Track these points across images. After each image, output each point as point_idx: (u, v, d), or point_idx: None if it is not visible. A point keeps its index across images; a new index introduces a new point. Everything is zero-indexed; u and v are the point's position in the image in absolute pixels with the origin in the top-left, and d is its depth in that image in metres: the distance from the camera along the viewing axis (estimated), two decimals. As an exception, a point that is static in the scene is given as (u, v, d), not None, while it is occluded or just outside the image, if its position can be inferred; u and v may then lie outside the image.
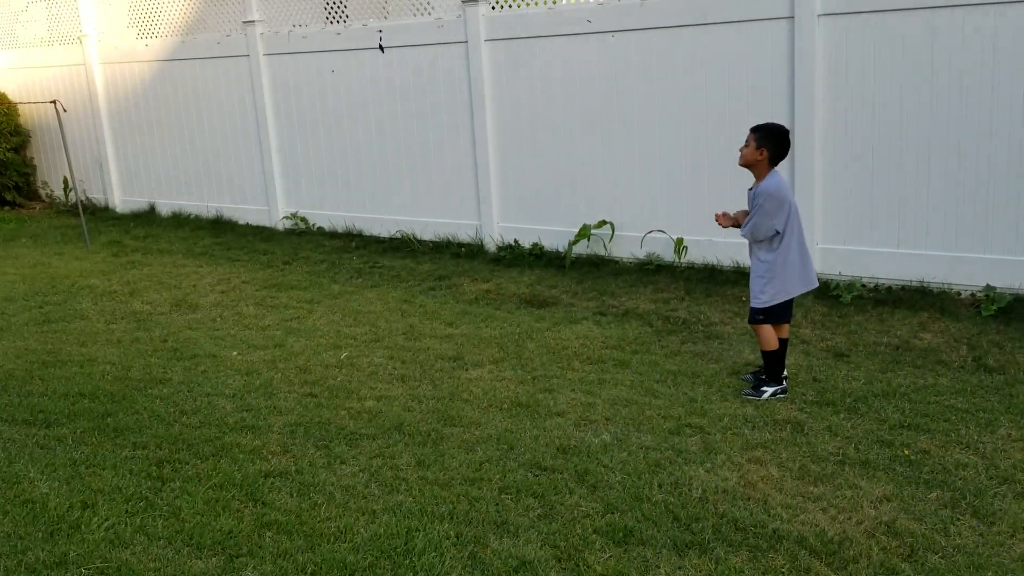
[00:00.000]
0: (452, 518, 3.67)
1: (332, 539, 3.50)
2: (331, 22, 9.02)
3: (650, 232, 7.23)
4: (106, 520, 3.58)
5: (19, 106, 11.97)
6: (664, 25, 6.93)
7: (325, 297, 7.15)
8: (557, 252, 7.68)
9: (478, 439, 4.42)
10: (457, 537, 3.51)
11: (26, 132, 12.14)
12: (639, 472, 4.01)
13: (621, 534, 3.52)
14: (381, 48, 8.56)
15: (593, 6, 7.27)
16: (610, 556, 3.38)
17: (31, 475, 3.97)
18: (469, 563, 3.34)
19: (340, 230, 9.24)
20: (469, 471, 4.08)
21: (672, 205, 7.13)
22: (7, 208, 11.83)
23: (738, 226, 4.74)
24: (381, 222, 8.94)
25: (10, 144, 11.79)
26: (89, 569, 3.20)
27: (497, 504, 3.77)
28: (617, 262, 7.42)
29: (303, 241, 9.12)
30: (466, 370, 5.40)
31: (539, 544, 3.46)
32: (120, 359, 5.81)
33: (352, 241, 8.94)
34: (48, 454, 4.23)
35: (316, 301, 7.05)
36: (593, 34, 7.27)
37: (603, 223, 7.36)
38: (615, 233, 7.40)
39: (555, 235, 7.73)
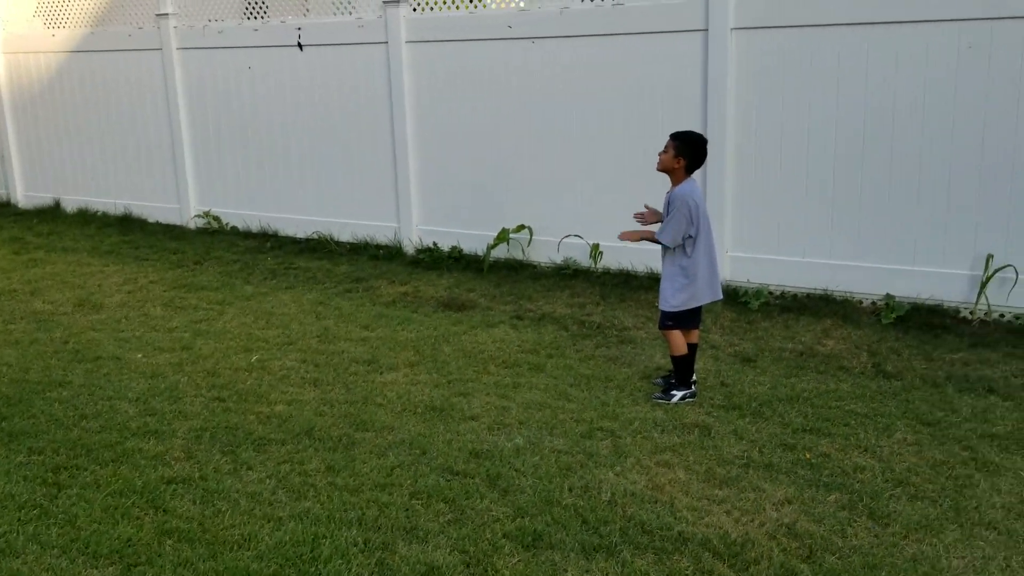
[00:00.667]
0: (361, 524, 3.63)
1: (235, 547, 3.42)
2: (250, 17, 8.84)
3: (567, 237, 7.30)
4: (-5, 529, 3.43)
5: (-86, 94, 11.37)
6: (583, 33, 7.00)
7: (237, 298, 6.99)
8: (476, 256, 7.68)
9: (390, 444, 4.38)
10: (365, 543, 3.47)
11: (-79, 121, 11.54)
12: (550, 476, 4.04)
13: (530, 538, 3.53)
14: (300, 46, 8.43)
15: (514, 12, 7.31)
16: (519, 560, 3.39)
17: (-85, 483, 3.78)
18: (376, 569, 3.31)
19: (255, 230, 9.06)
20: (380, 476, 4.04)
21: (589, 210, 7.21)
22: (-101, 201, 11.23)
23: (648, 240, 4.80)
24: (297, 222, 8.79)
25: (-97, 134, 11.19)
26: (-26, 581, 3.06)
27: (407, 510, 3.75)
28: (535, 266, 7.47)
29: (216, 241, 8.91)
30: (381, 374, 5.35)
31: (448, 550, 3.45)
32: (18, 361, 5.58)
33: (267, 241, 8.77)
34: (-66, 461, 4.03)
35: (227, 302, 6.89)
36: (514, 39, 7.30)
37: (522, 227, 7.40)
38: (533, 237, 7.44)
39: (474, 238, 7.73)
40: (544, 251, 7.45)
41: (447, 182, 7.88)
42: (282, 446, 4.36)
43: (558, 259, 7.39)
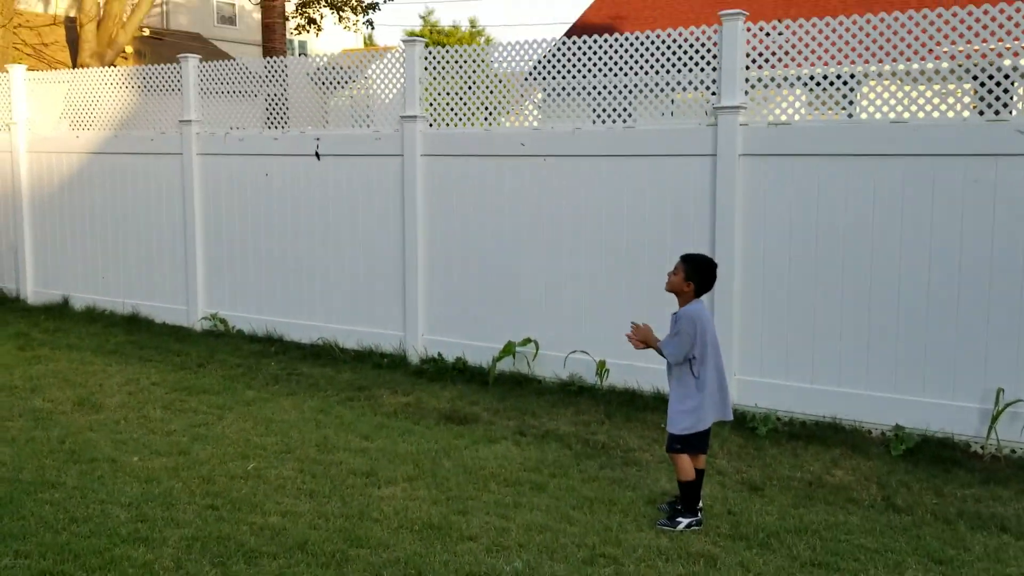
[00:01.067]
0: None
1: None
2: (270, 127, 9.09)
3: (573, 353, 7.27)
4: (-29, 640, 3.29)
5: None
6: (595, 154, 7.17)
7: (238, 403, 6.93)
8: (481, 368, 7.64)
9: (385, 562, 4.25)
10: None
11: (-60, 214, 11.75)
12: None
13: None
14: (317, 155, 8.63)
15: (528, 131, 7.51)
16: None
17: None
18: None
19: (260, 334, 9.07)
20: (373, 596, 3.89)
21: (596, 327, 7.21)
22: (-91, 292, 11.30)
23: (647, 346, 4.78)
24: (303, 328, 8.81)
25: (-79, 226, 11.37)
26: None
27: (400, 634, 3.59)
28: (540, 381, 7.41)
29: (221, 343, 8.90)
30: (379, 487, 5.24)
31: None
32: (12, 460, 5.49)
33: (272, 346, 8.76)
34: (-85, 562, 3.91)
35: (228, 407, 6.82)
36: (527, 156, 7.48)
37: (528, 341, 7.39)
38: (539, 352, 7.42)
39: (480, 350, 7.71)
40: (550, 366, 7.42)
41: (455, 293, 7.92)
42: (274, 560, 4.23)
43: (564, 374, 7.34)
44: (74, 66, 16.84)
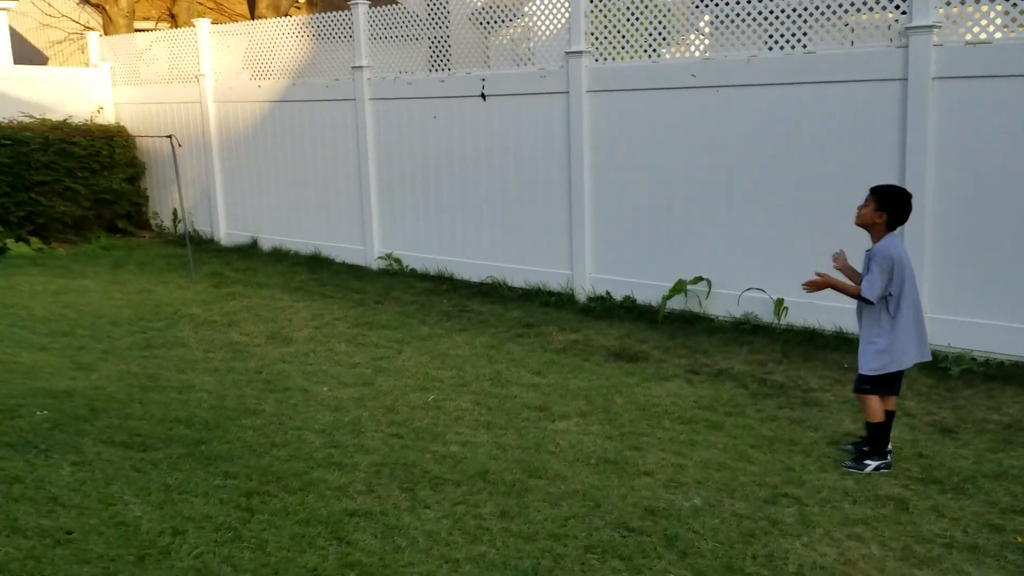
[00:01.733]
0: (536, 573, 3.58)
1: (414, 585, 3.45)
2: (434, 70, 9.23)
3: (748, 291, 7.07)
4: (195, 548, 3.62)
5: (136, 139, 12.58)
6: (772, 82, 6.84)
7: (414, 338, 7.20)
8: (650, 306, 7.58)
9: (563, 493, 4.33)
10: (540, 594, 3.42)
11: (141, 164, 12.74)
12: (731, 541, 3.86)
13: (709, 605, 3.37)
14: (483, 96, 8.69)
15: (698, 61, 7.25)
16: (699, 627, 3.23)
17: (125, 498, 4.05)
18: (552, 622, 3.24)
19: (432, 272, 9.34)
20: (554, 526, 3.99)
21: (773, 264, 6.96)
22: (118, 236, 12.37)
23: (820, 288, 4.57)
24: (472, 266, 9.00)
25: (125, 175, 12.38)
26: (176, 596, 3.23)
27: (583, 563, 3.67)
28: (712, 320, 7.27)
29: (395, 282, 9.25)
30: (552, 421, 5.33)
31: (624, 608, 3.34)
32: (216, 388, 5.93)
33: (443, 284, 9.02)
34: (143, 477, 4.32)
35: (405, 342, 7.10)
36: (697, 88, 7.23)
37: (699, 279, 7.24)
38: (711, 290, 7.26)
39: (648, 289, 7.64)
40: (722, 304, 7.25)
41: (622, 231, 7.85)
42: (457, 487, 4.40)
43: (737, 313, 7.16)
44: (252, 18, 17.65)
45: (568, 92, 8.02)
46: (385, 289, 8.94)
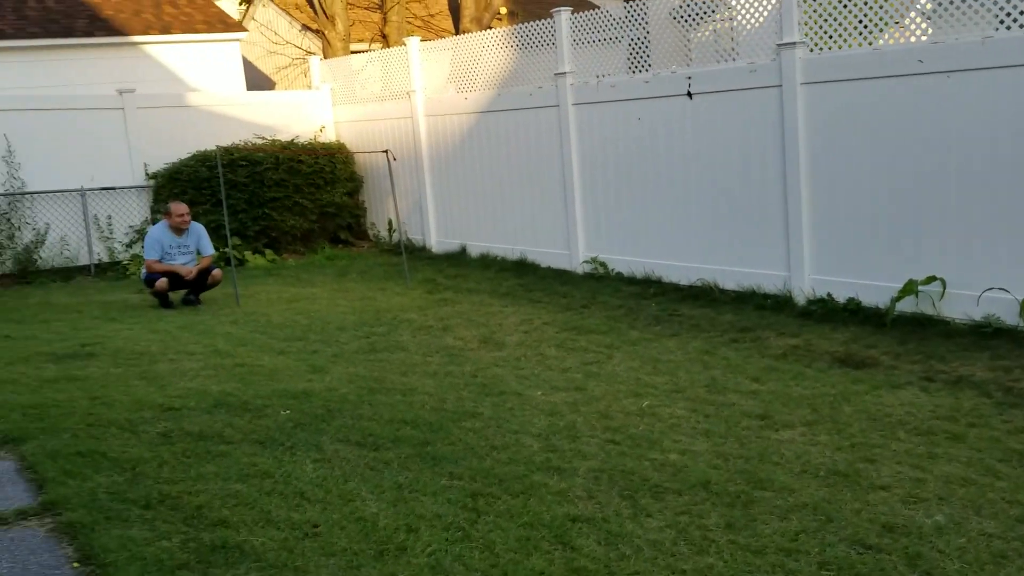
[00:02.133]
0: (767, 589, 3.45)
1: (641, 595, 3.42)
2: (634, 71, 9.16)
3: (988, 291, 6.50)
4: (428, 546, 3.77)
5: (355, 155, 13.39)
6: (1010, 64, 6.25)
7: (624, 343, 7.17)
8: (876, 309, 7.13)
9: (792, 506, 4.15)
10: (774, 611, 3.29)
11: (359, 178, 13.55)
12: (981, 562, 3.55)
13: (966, 634, 3.11)
14: (689, 95, 8.54)
15: (925, 45, 6.75)
16: (954, 658, 2.99)
17: (362, 494, 4.29)
18: (788, 642, 3.11)
19: (639, 276, 9.28)
20: (784, 540, 3.83)
21: (1017, 261, 6.36)
22: (340, 246, 13.22)
23: None
24: (681, 269, 8.85)
25: (346, 189, 13.20)
26: (414, 592, 3.38)
27: (817, 580, 3.50)
28: (947, 323, 6.74)
29: (601, 285, 9.26)
30: (775, 430, 5.12)
31: (867, 632, 3.15)
32: (436, 390, 6.18)
33: (650, 287, 8.93)
34: (376, 475, 4.56)
35: (615, 346, 7.08)
36: (923, 75, 6.74)
37: (932, 279, 6.74)
38: (946, 290, 6.73)
39: (874, 290, 7.19)
40: (958, 306, 6.71)
41: (844, 229, 7.44)
42: (679, 496, 4.33)
43: (976, 315, 6.60)
44: (456, 32, 18.32)
45: (781, 85, 7.71)
46: (591, 293, 8.98)
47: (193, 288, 9.47)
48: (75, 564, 3.52)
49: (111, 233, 12.14)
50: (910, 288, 6.78)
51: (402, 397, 5.96)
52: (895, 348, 6.42)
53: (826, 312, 7.36)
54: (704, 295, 8.40)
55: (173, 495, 4.11)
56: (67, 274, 11.68)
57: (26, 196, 11.56)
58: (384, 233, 13.21)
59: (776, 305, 7.78)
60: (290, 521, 3.93)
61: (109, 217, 12.12)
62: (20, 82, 13.21)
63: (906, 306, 6.95)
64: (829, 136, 7.45)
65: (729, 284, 8.37)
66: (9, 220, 11.47)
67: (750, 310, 7.80)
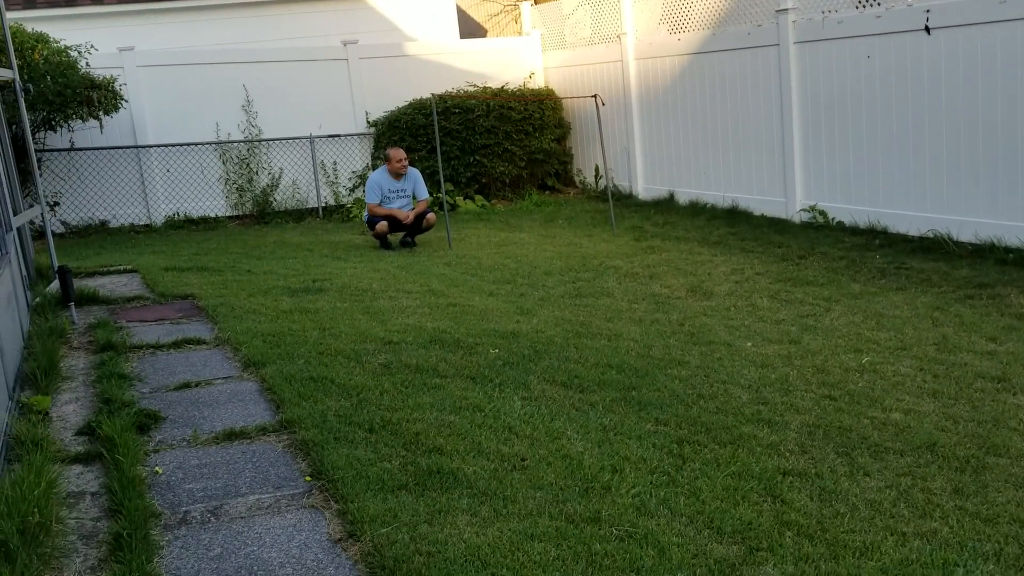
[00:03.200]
0: (999, 560, 3.20)
1: (857, 553, 3.27)
2: (863, 6, 8.50)
3: None
4: (633, 487, 3.79)
5: (563, 101, 13.40)
6: None
7: (844, 296, 6.79)
8: None
9: (1032, 476, 3.81)
10: (1008, 585, 3.05)
11: (567, 125, 13.56)
12: None
13: None
14: (927, 29, 7.83)
15: None
16: None
17: (568, 433, 4.36)
18: (1025, 619, 2.88)
19: (862, 226, 8.73)
20: (1019, 511, 3.52)
21: None
22: (547, 192, 13.35)
23: None
24: (910, 219, 8.23)
25: (554, 135, 13.27)
26: (619, 531, 3.40)
27: (1060, 557, 3.20)
28: None
29: (820, 236, 8.80)
30: (1013, 394, 4.70)
31: (1121, 618, 2.85)
32: (642, 337, 6.14)
33: (875, 239, 8.39)
34: (582, 416, 4.62)
35: (834, 299, 6.73)
36: None
37: None
38: None
39: None
40: None
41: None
42: (901, 457, 4.08)
43: None
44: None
45: (1037, 16, 6.91)
46: (809, 243, 8.55)
47: (410, 231, 9.92)
48: (307, 477, 3.83)
49: (336, 178, 12.92)
50: None
51: (608, 342, 5.98)
52: None
53: (1081, 269, 6.62)
54: (936, 247, 7.78)
55: (393, 421, 4.36)
56: (298, 215, 12.59)
57: (262, 143, 12.51)
58: (591, 179, 13.19)
59: (1020, 260, 7.08)
60: (500, 453, 4.07)
61: (334, 163, 12.89)
62: (252, 36, 14.19)
63: None
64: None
65: (966, 236, 7.69)
66: (248, 165, 12.47)
67: (990, 265, 7.14)
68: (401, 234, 10.00)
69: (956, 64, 7.62)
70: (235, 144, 12.39)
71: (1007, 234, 7.34)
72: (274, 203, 12.53)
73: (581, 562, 3.15)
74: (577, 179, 13.63)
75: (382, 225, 9.71)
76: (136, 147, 11.89)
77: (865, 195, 8.70)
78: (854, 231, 8.72)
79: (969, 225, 7.65)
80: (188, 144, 12.12)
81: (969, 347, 5.44)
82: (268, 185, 12.56)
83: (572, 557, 3.19)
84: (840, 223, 8.96)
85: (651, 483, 3.86)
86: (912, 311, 6.25)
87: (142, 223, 11.99)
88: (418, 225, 9.90)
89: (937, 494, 3.71)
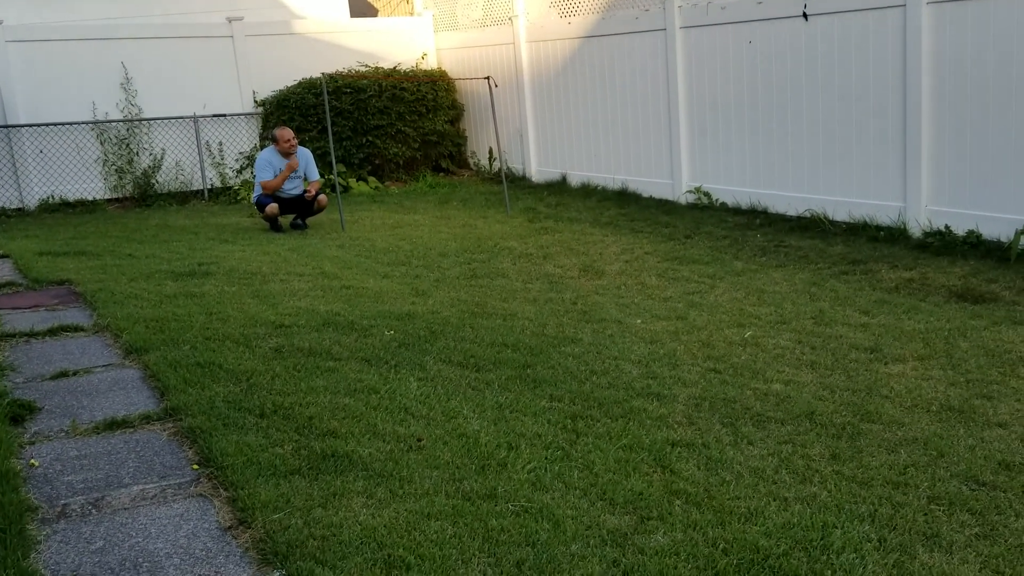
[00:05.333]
0: (873, 520, 3.38)
1: (742, 519, 3.41)
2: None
3: (1126, 225, 6.09)
4: (528, 463, 3.83)
5: (456, 83, 13.35)
6: None
7: (727, 274, 7.03)
8: (998, 242, 6.79)
9: (900, 440, 4.04)
10: (880, 541, 3.23)
11: (460, 106, 13.52)
12: (1109, 505, 3.39)
13: (1085, 574, 2.99)
14: (805, 16, 8.14)
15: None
16: (1072, 598, 2.89)
17: (465, 412, 4.38)
18: (894, 572, 3.06)
19: (744, 206, 9.04)
20: (892, 473, 3.73)
21: None
22: (441, 174, 13.30)
23: None
24: (788, 199, 8.58)
25: (447, 117, 13.21)
26: (515, 506, 3.44)
27: (925, 514, 3.41)
28: (1077, 258, 6.37)
29: (705, 216, 9.07)
30: (885, 364, 4.97)
31: (978, 566, 3.06)
32: (536, 316, 6.21)
33: (756, 218, 8.70)
34: (478, 395, 4.64)
35: (718, 277, 6.96)
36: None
37: (1063, 211, 6.35)
38: (1078, 224, 6.35)
39: (997, 222, 6.83)
40: (1091, 240, 6.31)
41: (965, 158, 7.05)
42: (782, 425, 4.26)
43: (1111, 250, 6.21)
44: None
45: (905, 5, 7.27)
46: (695, 223, 8.80)
47: (301, 213, 9.72)
48: (195, 466, 3.72)
49: (222, 159, 12.52)
50: (1039, 220, 6.41)
51: (503, 322, 6.02)
52: (1019, 283, 6.11)
53: (944, 245, 7.04)
54: (813, 226, 8.14)
55: (285, 406, 4.28)
56: (182, 198, 12.15)
57: (143, 122, 12.00)
58: (484, 161, 13.20)
59: (890, 237, 7.48)
60: (395, 434, 4.05)
61: (220, 143, 12.49)
62: (132, 11, 13.56)
63: (1033, 240, 6.59)
64: (957, 59, 7.00)
65: (840, 215, 8.07)
66: (128, 145, 11.95)
67: (862, 242, 7.52)
68: (292, 216, 9.79)
69: (831, 50, 7.96)
70: (114, 124, 11.84)
71: (879, 213, 7.74)
72: (157, 185, 12.06)
73: (478, 538, 3.18)
74: (471, 161, 13.62)
75: (272, 207, 9.48)
76: (6, 127, 11.22)
77: (747, 177, 9.02)
78: (737, 211, 9.03)
79: (844, 205, 8.03)
80: (63, 124, 11.51)
81: (844, 320, 5.72)
82: (150, 167, 12.07)
83: (469, 534, 3.21)
84: (724, 204, 9.26)
85: (546, 458, 3.92)
86: (791, 287, 6.52)
87: (14, 207, 11.34)
88: (309, 207, 9.71)
89: (816, 460, 3.90)
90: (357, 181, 12.35)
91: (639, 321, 6.00)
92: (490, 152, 12.95)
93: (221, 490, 3.50)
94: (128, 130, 11.96)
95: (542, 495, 3.56)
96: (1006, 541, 3.21)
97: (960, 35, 6.94)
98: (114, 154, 11.87)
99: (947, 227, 7.16)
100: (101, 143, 11.81)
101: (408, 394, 4.55)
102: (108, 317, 5.72)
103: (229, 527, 3.23)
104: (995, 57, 6.72)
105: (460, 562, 3.03)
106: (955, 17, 6.94)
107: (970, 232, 6.98)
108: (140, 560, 3.03)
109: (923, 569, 3.06)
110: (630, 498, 3.56)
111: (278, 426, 4.06)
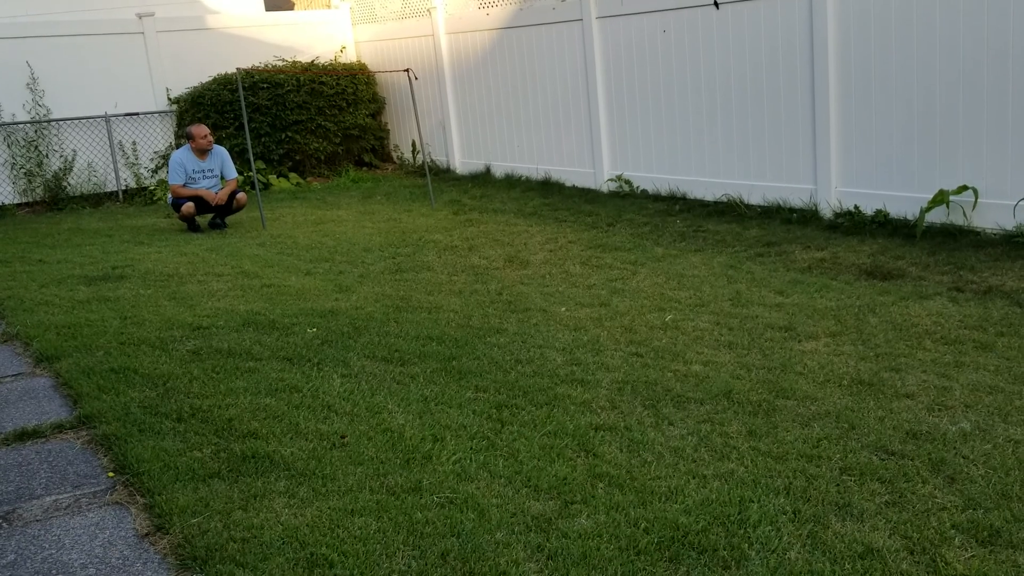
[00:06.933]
0: (788, 493, 3.49)
1: (663, 498, 3.48)
2: (664, -18, 8.91)
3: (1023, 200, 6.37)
4: (454, 454, 3.84)
5: (376, 76, 13.23)
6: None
7: (648, 260, 7.14)
8: (905, 220, 7.03)
9: (814, 415, 4.17)
10: (795, 513, 3.33)
11: (381, 99, 13.41)
12: (1007, 468, 3.55)
13: (986, 533, 3.13)
14: (716, 4, 8.29)
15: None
16: (972, 555, 3.02)
17: (389, 407, 4.37)
18: (808, 542, 3.16)
19: (664, 193, 9.19)
20: (805, 447, 3.85)
21: (1051, 170, 6.22)
22: (364, 169, 13.18)
23: None
24: (706, 185, 8.75)
25: (369, 110, 13.09)
26: (440, 497, 3.45)
27: (838, 484, 3.53)
28: (978, 233, 6.64)
29: (626, 203, 9.19)
30: (799, 341, 5.12)
31: (887, 532, 3.19)
32: (462, 308, 6.21)
33: (675, 204, 8.85)
34: (403, 389, 4.63)
35: (639, 263, 7.06)
36: (962, -23, 6.49)
37: (963, 188, 6.60)
38: (978, 200, 6.60)
39: (904, 201, 7.08)
40: (991, 216, 6.59)
41: (873, 140, 7.29)
42: (701, 405, 4.36)
43: (1009, 225, 6.49)
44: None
45: (813, -8, 7.47)
46: (617, 211, 8.91)
47: (219, 212, 9.52)
48: (110, 473, 3.64)
49: (136, 159, 12.18)
50: (941, 198, 6.66)
51: (428, 315, 6.01)
52: (924, 259, 6.35)
53: (853, 225, 7.27)
54: (730, 211, 8.31)
55: (204, 409, 4.21)
56: (96, 200, 11.79)
57: (52, 123, 11.60)
58: (408, 155, 13.13)
59: (803, 219, 7.70)
60: (318, 432, 4.02)
61: (134, 143, 12.15)
62: (37, 8, 13.11)
63: (936, 217, 6.84)
64: (863, 42, 7.22)
65: (755, 199, 8.27)
66: (36, 147, 11.53)
67: (776, 224, 7.72)
68: (210, 216, 9.58)
69: (742, 37, 8.13)
70: (20, 125, 11.41)
71: (791, 196, 7.95)
72: (68, 188, 11.67)
73: (402, 532, 3.18)
74: (395, 155, 13.53)
75: (188, 206, 9.27)
76: (-100, 130, 10.73)
77: (666, 164, 9.16)
78: (656, 198, 9.17)
79: (758, 189, 8.23)
80: (-37, 126, 11.05)
81: (760, 301, 5.87)
82: (61, 169, 11.67)
83: (393, 528, 3.20)
84: (644, 191, 9.40)
85: (471, 449, 3.93)
86: (709, 270, 6.66)
87: (-88, 214, 10.85)
88: (228, 205, 9.52)
89: (734, 437, 3.99)
90: (277, 178, 12.15)
91: (563, 309, 6.05)
92: (413, 145, 12.89)
93: (138, 497, 3.42)
94: (36, 132, 11.54)
95: (467, 485, 3.58)
96: (914, 507, 3.34)
97: (864, 22, 7.15)
98: (22, 157, 11.44)
99: (856, 207, 7.40)
100: (8, 146, 11.38)
101: (331, 391, 4.51)
102: (17, 325, 5.53)
103: (146, 534, 3.17)
104: (896, 43, 6.95)
105: (384, 556, 3.03)
106: (859, 10, 7.15)
107: (878, 212, 7.22)
108: (54, 572, 2.95)
109: (836, 538, 3.17)
110: (554, 484, 3.60)
111: (196, 430, 3.99)
